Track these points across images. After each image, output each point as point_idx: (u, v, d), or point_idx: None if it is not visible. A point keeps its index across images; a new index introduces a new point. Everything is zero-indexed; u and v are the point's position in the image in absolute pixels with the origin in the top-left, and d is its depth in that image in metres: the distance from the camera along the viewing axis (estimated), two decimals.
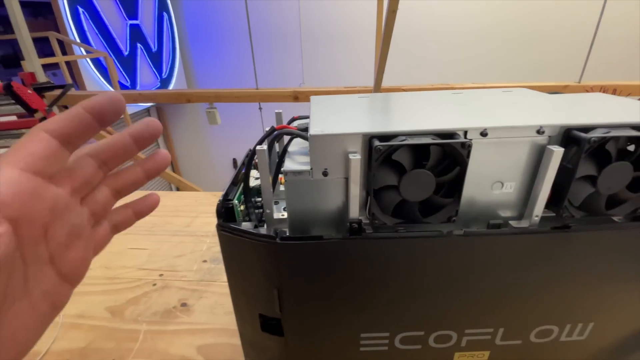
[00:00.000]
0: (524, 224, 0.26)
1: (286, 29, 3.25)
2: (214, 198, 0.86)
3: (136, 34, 3.06)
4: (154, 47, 3.27)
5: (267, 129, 0.31)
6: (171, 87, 3.52)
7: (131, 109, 3.01)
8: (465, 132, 0.23)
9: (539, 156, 0.25)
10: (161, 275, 0.60)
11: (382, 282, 0.27)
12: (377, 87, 1.44)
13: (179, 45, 3.59)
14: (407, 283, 0.27)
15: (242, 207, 0.30)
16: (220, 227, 0.27)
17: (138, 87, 3.08)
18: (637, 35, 2.73)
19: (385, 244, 0.25)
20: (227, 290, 0.51)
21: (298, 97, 1.63)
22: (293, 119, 0.36)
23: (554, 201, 0.26)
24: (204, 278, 0.59)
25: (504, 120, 0.25)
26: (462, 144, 0.22)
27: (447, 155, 0.23)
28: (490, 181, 0.25)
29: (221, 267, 0.59)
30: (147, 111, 3.58)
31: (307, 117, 0.34)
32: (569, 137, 0.24)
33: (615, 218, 0.27)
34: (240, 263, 0.28)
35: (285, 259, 0.26)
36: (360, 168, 0.24)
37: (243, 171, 0.31)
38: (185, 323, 0.50)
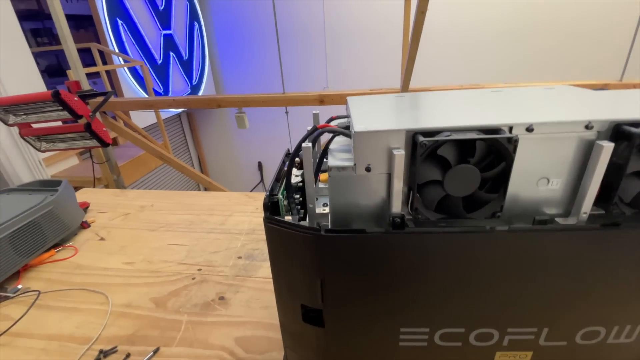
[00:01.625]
0: (571, 221, 0.26)
1: (310, 33, 3.30)
2: (246, 198, 0.89)
3: (169, 43, 3.22)
4: (185, 55, 3.42)
5: (309, 128, 0.32)
6: (200, 92, 3.66)
7: (164, 114, 3.16)
8: (511, 128, 0.24)
9: (587, 152, 0.24)
10: (199, 270, 0.63)
11: (423, 277, 0.27)
12: (405, 89, 1.43)
13: (208, 52, 3.74)
14: (449, 279, 0.27)
15: (285, 202, 0.32)
16: (267, 220, 0.29)
17: (170, 93, 3.23)
18: None
19: (428, 238, 0.25)
20: (262, 285, 0.53)
21: (324, 100, 1.64)
22: (332, 119, 0.37)
23: (602, 198, 0.25)
24: (239, 274, 0.61)
25: (550, 115, 0.25)
26: (509, 139, 0.22)
27: (492, 151, 0.23)
28: (536, 177, 0.25)
29: (255, 263, 0.61)
30: (179, 117, 3.75)
31: (345, 117, 0.35)
32: (618, 132, 0.24)
33: None
34: (285, 255, 0.30)
35: (328, 251, 0.27)
36: (404, 163, 0.25)
37: (285, 169, 0.33)
38: (223, 315, 0.52)
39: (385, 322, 0.30)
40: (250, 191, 3.86)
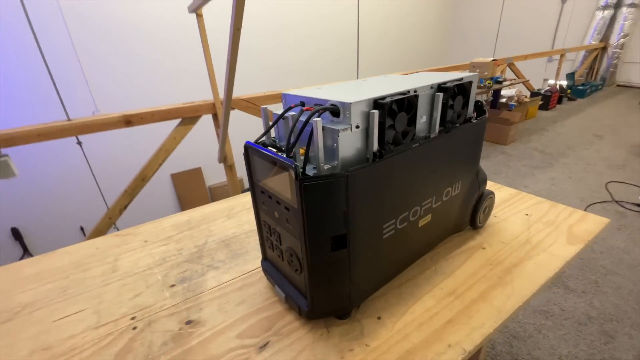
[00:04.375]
0: (433, 134, 0.52)
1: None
2: (117, 239, 0.76)
3: None
4: None
5: (294, 112, 0.43)
6: None
7: None
8: (415, 90, 0.46)
9: (433, 99, 0.50)
10: (133, 318, 0.54)
11: (394, 182, 0.46)
12: (229, 99, 1.54)
13: None
14: (403, 178, 0.47)
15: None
16: (302, 181, 0.38)
17: None
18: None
19: (394, 159, 0.44)
20: (221, 292, 0.58)
21: (131, 120, 1.46)
22: (290, 107, 0.48)
23: (442, 123, 0.53)
24: (187, 296, 0.57)
25: (419, 84, 0.49)
26: (415, 96, 0.45)
27: (409, 103, 0.45)
28: (420, 116, 0.49)
29: (197, 280, 0.62)
30: None
31: (300, 105, 0.47)
32: (440, 87, 0.51)
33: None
34: (317, 202, 0.40)
35: (351, 187, 0.40)
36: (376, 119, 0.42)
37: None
38: (205, 331, 0.51)
39: (377, 225, 0.47)
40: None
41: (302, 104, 0.47)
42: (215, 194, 4.75)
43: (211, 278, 0.62)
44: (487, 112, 0.62)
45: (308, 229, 0.41)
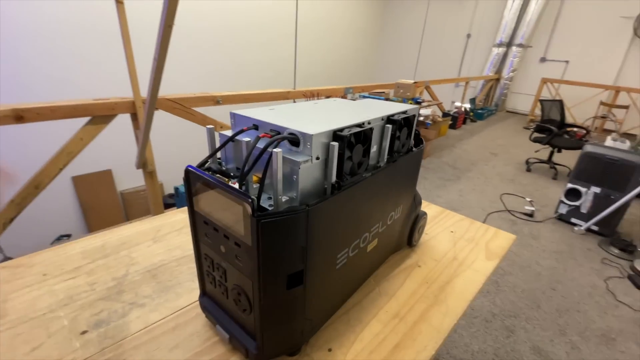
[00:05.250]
0: (382, 164, 0.53)
1: None
2: None
3: None
4: None
5: (251, 140, 0.39)
6: None
7: None
8: (369, 122, 0.46)
9: (383, 130, 0.52)
10: None
11: (349, 210, 0.46)
12: (154, 97, 1.37)
13: None
14: (356, 209, 0.47)
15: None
16: (260, 218, 0.35)
17: None
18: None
19: (350, 189, 0.44)
20: (153, 334, 0.52)
21: (24, 116, 1.20)
22: (242, 130, 0.43)
23: (390, 152, 0.54)
24: (104, 345, 0.48)
25: (372, 115, 0.50)
26: (370, 129, 0.45)
27: (365, 135, 0.45)
28: (372, 146, 0.50)
29: (117, 323, 0.52)
30: None
31: (253, 128, 0.44)
32: (389, 120, 0.53)
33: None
34: (276, 240, 0.37)
35: (314, 219, 0.38)
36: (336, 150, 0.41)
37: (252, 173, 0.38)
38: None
39: (332, 257, 0.46)
40: None
41: (256, 127, 0.43)
42: (128, 201, 4.22)
43: (135, 319, 0.53)
44: (424, 142, 0.66)
45: (263, 268, 0.38)
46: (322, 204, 0.40)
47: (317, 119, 0.45)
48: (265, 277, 0.38)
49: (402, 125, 0.55)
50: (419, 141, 0.66)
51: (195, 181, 0.42)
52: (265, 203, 0.39)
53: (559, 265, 2.14)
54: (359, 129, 0.44)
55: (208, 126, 0.44)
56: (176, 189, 3.42)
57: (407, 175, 0.63)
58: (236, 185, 0.38)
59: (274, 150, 0.36)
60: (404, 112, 0.56)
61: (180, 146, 4.14)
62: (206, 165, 0.44)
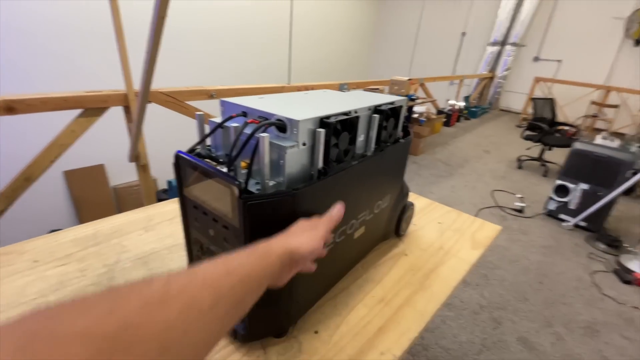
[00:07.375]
0: (369, 153, 0.55)
1: None
2: None
3: None
4: None
5: (237, 123, 0.40)
6: None
7: None
8: (356, 111, 0.48)
9: (369, 120, 0.53)
10: None
11: (335, 200, 0.47)
12: (147, 90, 1.37)
13: None
14: (343, 196, 0.49)
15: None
16: (247, 200, 0.36)
17: None
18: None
19: (336, 176, 0.45)
20: None
21: (14, 108, 1.19)
22: (232, 117, 0.44)
23: (377, 141, 0.56)
24: None
25: (360, 104, 0.51)
26: (357, 117, 0.46)
27: (351, 123, 0.46)
28: (359, 135, 0.51)
29: None
30: None
31: (242, 115, 0.45)
32: (377, 110, 0.54)
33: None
34: (262, 222, 0.38)
35: (300, 204, 0.40)
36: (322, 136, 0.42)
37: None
38: None
39: None
40: None
41: (244, 114, 0.44)
42: (121, 196, 4.18)
43: None
44: (411, 133, 0.68)
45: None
46: (308, 189, 0.41)
47: (305, 107, 0.47)
48: None
49: (389, 115, 0.56)
50: (406, 133, 0.67)
51: (185, 166, 0.43)
52: (253, 188, 0.40)
53: (546, 259, 2.18)
54: (345, 117, 0.45)
55: (197, 112, 0.45)
56: (169, 182, 3.41)
57: (394, 165, 0.65)
58: (225, 170, 0.39)
59: (261, 135, 0.37)
60: (391, 103, 0.57)
61: (173, 143, 4.11)
62: (196, 151, 0.45)
